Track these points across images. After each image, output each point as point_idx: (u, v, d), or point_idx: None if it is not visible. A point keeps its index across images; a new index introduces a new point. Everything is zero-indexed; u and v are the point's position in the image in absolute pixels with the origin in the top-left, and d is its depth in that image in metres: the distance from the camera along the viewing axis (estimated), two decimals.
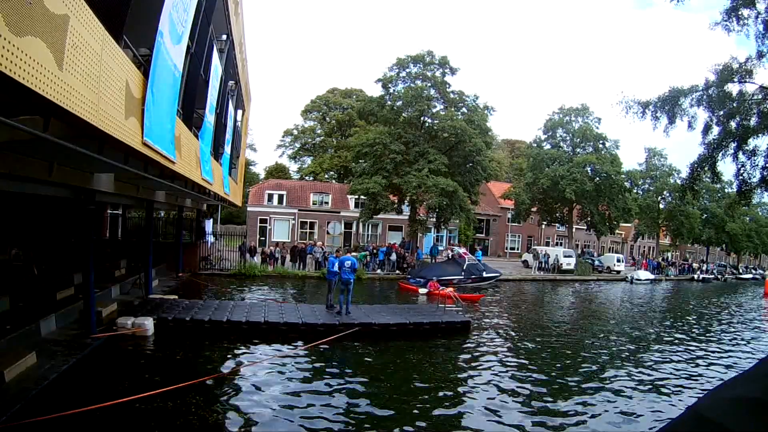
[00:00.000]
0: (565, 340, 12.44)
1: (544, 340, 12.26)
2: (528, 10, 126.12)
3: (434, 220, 28.37)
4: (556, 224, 39.92)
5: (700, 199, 41.62)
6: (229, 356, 9.35)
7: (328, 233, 30.81)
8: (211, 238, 23.18)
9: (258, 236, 32.95)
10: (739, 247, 47.05)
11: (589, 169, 32.35)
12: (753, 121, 14.67)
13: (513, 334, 12.93)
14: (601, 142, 33.78)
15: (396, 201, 27.30)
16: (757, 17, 13.44)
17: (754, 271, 47.06)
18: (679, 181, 28.79)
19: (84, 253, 9.76)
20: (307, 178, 47.28)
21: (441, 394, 7.81)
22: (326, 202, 36.03)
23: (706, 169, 15.88)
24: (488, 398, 7.56)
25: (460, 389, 8.13)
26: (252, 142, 52.91)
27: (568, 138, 35.01)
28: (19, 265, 11.03)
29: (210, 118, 10.40)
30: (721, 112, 15.03)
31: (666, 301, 24.57)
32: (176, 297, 13.62)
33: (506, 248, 43.37)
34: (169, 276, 18.23)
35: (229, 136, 14.07)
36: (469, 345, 11.18)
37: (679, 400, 7.95)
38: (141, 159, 6.31)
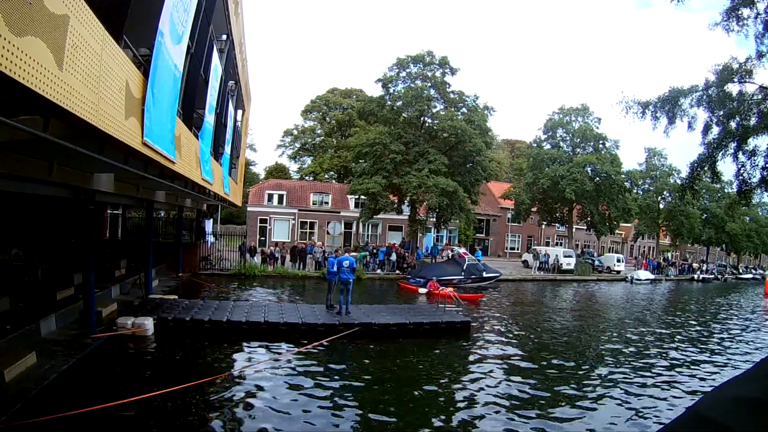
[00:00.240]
0: (565, 341, 12.44)
1: (544, 340, 12.26)
2: (528, 10, 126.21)
3: (434, 220, 28.38)
4: (556, 224, 39.92)
5: (700, 199, 41.61)
6: (229, 356, 9.36)
7: (328, 233, 30.81)
8: (211, 238, 23.18)
9: (258, 236, 32.96)
10: (739, 247, 47.04)
11: (589, 169, 32.36)
12: (753, 121, 14.67)
13: (513, 334, 12.93)
14: (601, 142, 33.79)
15: (396, 201, 27.30)
16: (756, 17, 13.45)
17: (754, 271, 47.04)
18: (679, 181, 28.78)
19: (84, 253, 9.76)
20: (307, 178, 47.29)
21: (441, 394, 7.81)
22: (326, 202, 36.03)
23: (706, 169, 15.88)
24: (488, 398, 7.55)
25: (460, 389, 8.13)
26: (252, 142, 53.02)
27: (568, 138, 35.01)
28: (19, 265, 11.02)
29: (210, 118, 10.40)
30: (721, 112, 15.03)
31: (666, 301, 24.56)
32: (176, 297, 13.63)
33: (506, 248, 43.37)
34: (169, 276, 18.23)
35: (229, 136, 14.07)
36: (469, 345, 11.18)
37: (680, 401, 7.95)
38: (141, 159, 6.31)
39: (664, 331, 14.77)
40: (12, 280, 10.02)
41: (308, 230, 34.93)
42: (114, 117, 4.58)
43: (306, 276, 22.25)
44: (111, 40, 4.39)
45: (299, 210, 34.99)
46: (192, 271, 20.24)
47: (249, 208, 34.20)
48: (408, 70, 26.86)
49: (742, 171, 15.28)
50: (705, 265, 43.79)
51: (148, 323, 9.97)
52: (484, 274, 22.95)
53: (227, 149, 14.06)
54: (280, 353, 9.34)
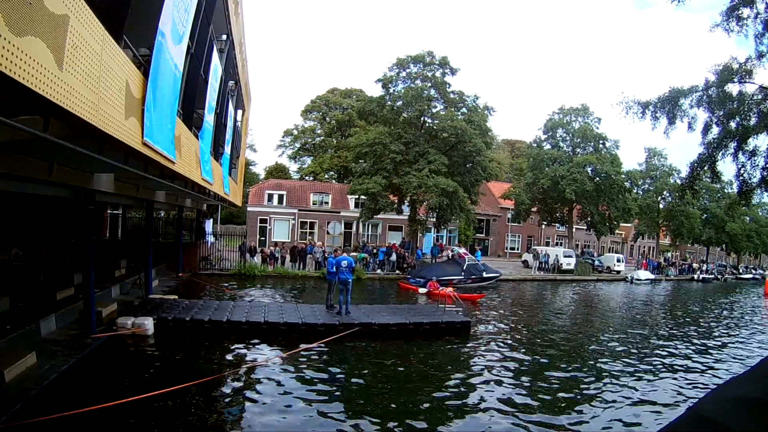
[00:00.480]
0: (565, 341, 12.44)
1: (544, 340, 12.26)
2: (528, 10, 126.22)
3: (434, 220, 28.39)
4: (556, 224, 39.92)
5: (700, 199, 41.62)
6: (229, 356, 9.36)
7: (328, 233, 30.81)
8: (211, 238, 23.17)
9: (258, 236, 32.96)
10: (739, 247, 47.05)
11: (589, 169, 32.36)
12: (753, 121, 14.67)
13: (513, 334, 12.93)
14: (601, 142, 33.80)
15: (396, 201, 27.30)
16: (756, 17, 13.44)
17: (754, 271, 47.05)
18: (679, 181, 28.79)
19: (84, 253, 9.76)
20: (307, 178, 47.29)
21: (441, 394, 7.81)
22: (326, 202, 36.03)
23: (706, 169, 15.87)
24: (488, 398, 7.56)
25: (460, 389, 8.13)
26: (252, 142, 53.03)
27: (568, 138, 35.02)
28: (19, 265, 11.02)
29: (210, 118, 10.40)
30: (721, 113, 15.03)
31: (666, 301, 24.57)
32: (176, 297, 13.62)
33: (506, 248, 43.37)
34: (169, 276, 18.22)
35: (229, 136, 14.07)
36: (469, 345, 11.18)
37: (680, 401, 7.95)
38: (141, 159, 6.30)
39: (664, 331, 14.78)
40: (12, 280, 10.01)
41: (308, 230, 34.93)
42: (114, 117, 4.58)
43: (306, 276, 22.25)
44: (111, 40, 4.39)
45: (299, 210, 35.00)
46: (192, 271, 20.24)
47: (249, 208, 34.21)
48: (408, 70, 26.87)
49: (742, 171, 15.28)
50: (705, 265, 43.79)
51: (148, 323, 9.96)
52: (484, 274, 22.95)
53: (227, 149, 14.06)
54: (279, 353, 9.34)
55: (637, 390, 8.35)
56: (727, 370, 10.33)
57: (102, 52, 4.19)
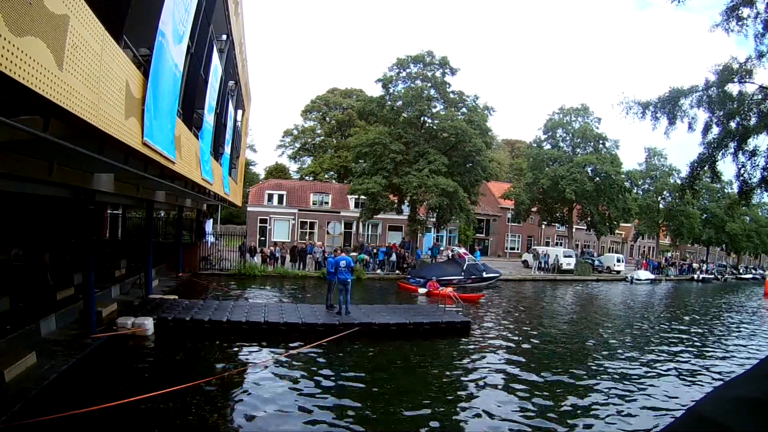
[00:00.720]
0: (565, 341, 12.44)
1: (544, 340, 12.26)
2: (528, 10, 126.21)
3: (434, 220, 28.39)
4: (556, 224, 39.90)
5: (700, 199, 41.61)
6: (229, 356, 9.36)
7: (328, 233, 30.81)
8: (211, 238, 23.18)
9: (258, 236, 32.95)
10: (739, 247, 47.03)
11: (589, 169, 32.35)
12: (753, 121, 14.65)
13: (513, 334, 12.92)
14: (601, 142, 33.78)
15: (396, 201, 27.30)
16: (756, 17, 13.43)
17: (754, 271, 47.02)
18: (679, 181, 28.78)
19: (84, 253, 9.76)
20: (307, 178, 47.29)
21: (441, 394, 7.81)
22: (326, 202, 36.03)
23: (706, 168, 15.86)
24: (488, 399, 7.56)
25: (460, 390, 8.13)
26: (252, 142, 53.05)
27: (568, 138, 35.00)
28: (19, 265, 11.02)
29: (210, 118, 10.40)
30: (721, 113, 15.01)
31: (666, 301, 24.57)
32: (176, 297, 13.62)
33: (506, 248, 43.36)
34: (169, 276, 18.23)
35: (229, 136, 14.07)
36: (469, 345, 11.18)
37: (680, 401, 7.95)
38: (141, 159, 6.31)
39: (664, 331, 14.77)
40: (12, 280, 10.01)
41: (308, 230, 34.92)
42: (114, 117, 4.58)
43: (306, 276, 22.25)
44: (111, 40, 4.39)
45: (299, 210, 34.99)
46: (192, 271, 20.24)
47: (249, 208, 34.20)
48: (408, 70, 26.86)
49: (742, 171, 15.27)
50: (705, 265, 43.78)
51: (148, 323, 9.96)
52: (484, 274, 22.95)
53: (227, 149, 14.06)
54: (279, 353, 9.34)
55: (637, 390, 8.35)
56: (727, 370, 10.33)
57: (102, 52, 4.19)
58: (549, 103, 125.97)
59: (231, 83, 13.19)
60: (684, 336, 14.06)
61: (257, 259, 23.69)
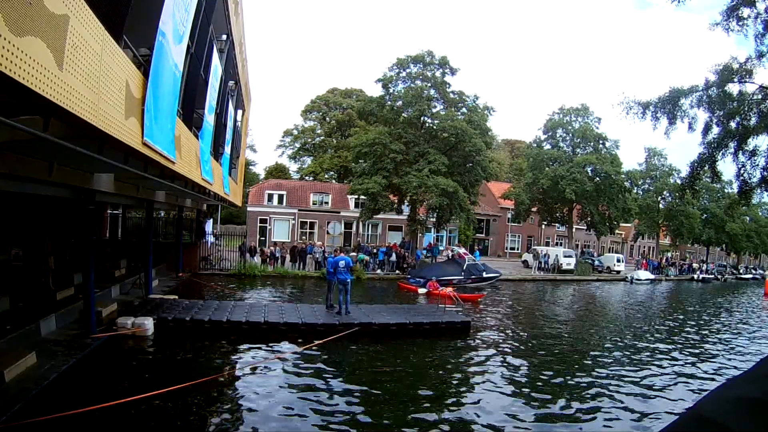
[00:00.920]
0: (565, 341, 12.44)
1: (545, 340, 12.26)
2: (528, 10, 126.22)
3: (434, 220, 28.39)
4: (556, 224, 39.91)
5: (700, 199, 41.60)
6: (229, 356, 9.36)
7: (328, 233, 30.81)
8: (211, 238, 23.18)
9: (258, 236, 32.96)
10: (739, 247, 47.02)
11: (589, 169, 32.35)
12: (753, 121, 14.65)
13: (513, 334, 12.93)
14: (601, 142, 33.78)
15: (396, 201, 27.30)
16: (756, 17, 13.43)
17: (754, 271, 46.99)
18: (679, 181, 28.76)
19: (84, 253, 9.76)
20: (307, 178, 47.29)
21: (440, 394, 7.81)
22: (326, 202, 36.03)
23: (706, 168, 15.86)
24: (488, 398, 7.56)
25: (460, 390, 8.13)
26: (252, 142, 53.07)
27: (568, 138, 35.01)
28: (19, 265, 11.02)
29: (210, 118, 10.40)
30: (721, 112, 15.00)
31: (666, 301, 24.57)
32: (176, 297, 13.62)
33: (506, 248, 43.37)
34: (169, 276, 18.23)
35: (229, 136, 14.07)
36: (469, 345, 11.18)
37: (680, 401, 7.95)
38: (141, 159, 6.31)
39: (664, 331, 14.77)
40: (12, 280, 10.01)
41: (308, 230, 34.93)
42: (114, 117, 4.58)
43: (306, 276, 22.25)
44: (111, 40, 4.39)
45: (299, 210, 34.99)
46: (192, 271, 20.24)
47: (249, 208, 34.20)
48: (408, 70, 26.86)
49: (742, 171, 15.27)
50: (705, 265, 43.76)
51: (148, 323, 9.96)
52: (484, 274, 22.94)
53: (227, 149, 14.06)
54: (280, 353, 9.34)
55: (637, 390, 8.35)
56: (727, 370, 10.33)
57: (102, 52, 4.19)
58: (549, 103, 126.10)
59: (231, 83, 13.20)
60: (684, 336, 14.06)
61: (257, 259, 23.69)
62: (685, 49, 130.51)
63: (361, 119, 36.55)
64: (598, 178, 32.41)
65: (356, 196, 29.79)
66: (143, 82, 5.46)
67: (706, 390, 8.37)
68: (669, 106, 15.87)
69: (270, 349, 9.64)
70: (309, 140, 51.40)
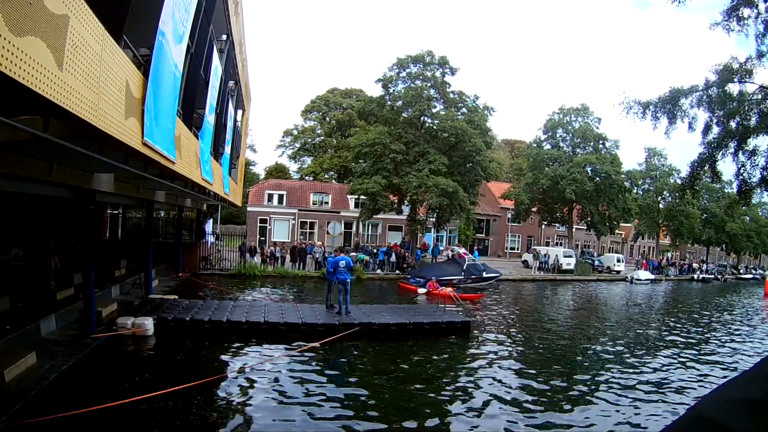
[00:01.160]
0: (565, 341, 12.44)
1: (545, 340, 12.26)
2: (528, 10, 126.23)
3: (434, 220, 28.40)
4: (556, 224, 39.90)
5: (700, 199, 41.59)
6: (229, 356, 9.36)
7: (328, 233, 30.81)
8: (211, 238, 23.17)
9: (258, 236, 32.96)
10: (739, 247, 47.01)
11: (589, 169, 32.35)
12: (753, 121, 14.66)
13: (513, 334, 12.92)
14: (601, 142, 33.78)
15: (396, 201, 27.30)
16: (757, 17, 13.44)
17: (754, 271, 46.98)
18: (679, 181, 28.76)
19: (84, 253, 9.75)
20: (307, 178, 47.29)
21: (441, 394, 7.81)
22: (326, 202, 36.03)
23: (706, 168, 15.88)
24: (488, 398, 7.55)
25: (460, 389, 8.13)
26: (252, 142, 53.06)
27: (568, 138, 35.00)
28: (19, 265, 11.02)
29: (210, 118, 10.40)
30: (721, 112, 15.02)
31: (666, 301, 24.57)
32: (176, 297, 13.62)
33: (506, 248, 43.37)
34: (169, 276, 18.23)
35: (229, 136, 14.07)
36: (469, 345, 11.18)
37: (681, 401, 7.95)
38: (141, 159, 6.31)
39: (664, 331, 14.76)
40: (12, 280, 10.01)
41: (308, 230, 34.93)
42: (114, 117, 4.58)
43: (306, 276, 22.25)
44: (111, 40, 4.39)
45: (299, 210, 35.00)
46: (192, 271, 20.24)
47: (249, 208, 34.21)
48: (408, 70, 26.86)
49: (742, 171, 15.28)
50: (705, 265, 43.76)
51: (148, 323, 9.96)
52: (484, 274, 22.93)
53: (227, 149, 14.06)
54: (279, 353, 9.34)
55: (637, 390, 8.34)
56: (727, 370, 10.33)
57: (102, 52, 4.19)
58: (549, 103, 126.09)
59: (231, 83, 13.20)
60: (684, 336, 14.06)
61: (257, 259, 23.69)
62: (685, 49, 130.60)
63: (361, 119, 36.54)
64: (598, 178, 32.41)
65: (356, 196, 29.80)
66: (143, 82, 5.46)
67: (706, 390, 8.40)
68: (669, 106, 15.89)
69: (270, 349, 9.64)
70: (309, 140, 51.41)
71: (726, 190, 40.59)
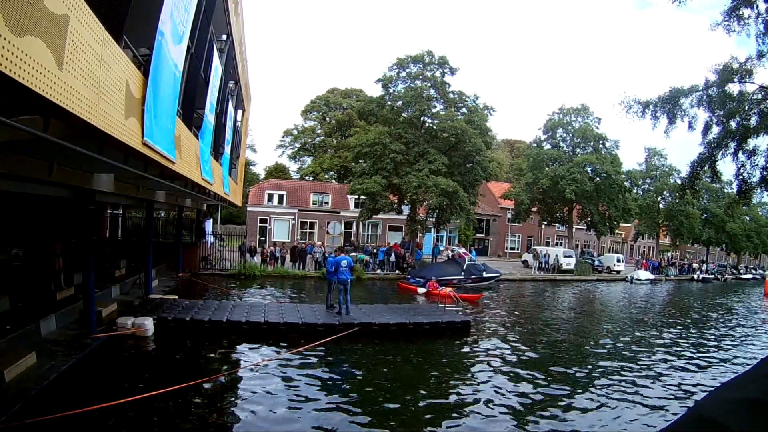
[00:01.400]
0: (565, 341, 12.44)
1: (545, 340, 12.26)
2: (528, 10, 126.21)
3: (434, 220, 28.40)
4: (556, 224, 39.90)
5: (700, 199, 41.58)
6: (229, 356, 9.36)
7: (328, 233, 30.80)
8: (211, 238, 23.16)
9: (258, 236, 32.96)
10: (739, 247, 47.00)
11: (589, 169, 32.35)
12: (753, 120, 14.65)
13: (513, 334, 12.92)
14: (601, 142, 33.77)
15: (396, 201, 27.30)
16: (757, 17, 13.43)
17: (754, 271, 46.96)
18: (679, 181, 28.75)
19: (84, 253, 9.75)
20: (307, 178, 47.28)
21: (441, 394, 7.81)
22: (326, 202, 36.03)
23: (706, 168, 15.86)
24: (488, 398, 7.55)
25: (460, 389, 8.13)
26: (252, 142, 53.06)
27: (568, 138, 35.01)
28: (19, 265, 11.02)
29: (210, 118, 10.40)
30: (721, 112, 15.01)
31: (666, 301, 24.56)
32: (176, 297, 13.62)
33: (506, 248, 43.36)
34: (169, 276, 18.22)
35: (229, 136, 14.07)
36: (469, 345, 11.18)
37: (680, 401, 7.95)
38: (141, 159, 6.31)
39: (664, 331, 14.76)
40: (12, 280, 10.00)
41: (308, 230, 34.93)
42: (114, 117, 4.58)
43: (306, 276, 22.25)
44: (111, 40, 4.39)
45: (299, 210, 35.00)
46: (192, 271, 20.24)
47: (249, 208, 34.21)
48: (408, 70, 26.85)
49: (742, 171, 15.27)
50: (705, 265, 43.75)
51: (148, 323, 9.96)
52: (484, 274, 22.94)
53: (227, 149, 14.06)
54: (279, 353, 9.34)
55: (637, 390, 8.34)
56: (727, 370, 10.33)
57: (102, 52, 4.19)
58: (549, 103, 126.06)
59: (231, 83, 13.21)
60: (684, 336, 14.05)
61: (257, 259, 23.69)
62: (685, 49, 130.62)
63: (361, 119, 36.52)
64: (598, 178, 32.41)
65: (356, 196, 29.79)
66: (143, 82, 5.46)
67: (706, 390, 8.40)
68: (669, 106, 15.87)
69: (270, 349, 9.64)
70: (309, 140, 51.40)
71: (726, 190, 40.57)
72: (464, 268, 22.40)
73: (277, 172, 50.23)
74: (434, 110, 27.21)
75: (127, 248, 18.06)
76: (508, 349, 11.06)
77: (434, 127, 27.14)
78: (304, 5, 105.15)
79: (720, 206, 42.30)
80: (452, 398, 7.66)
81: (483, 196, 34.54)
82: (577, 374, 9.29)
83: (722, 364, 10.92)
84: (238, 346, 9.78)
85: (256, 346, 9.78)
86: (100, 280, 11.72)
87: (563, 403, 7.55)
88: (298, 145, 51.95)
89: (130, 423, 5.87)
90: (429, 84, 26.63)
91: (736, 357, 11.76)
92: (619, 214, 33.43)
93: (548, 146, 35.47)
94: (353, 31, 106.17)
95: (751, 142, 14.90)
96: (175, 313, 10.82)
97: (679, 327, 15.71)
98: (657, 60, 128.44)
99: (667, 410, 7.46)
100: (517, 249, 43.44)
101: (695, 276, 38.49)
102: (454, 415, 6.94)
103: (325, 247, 24.28)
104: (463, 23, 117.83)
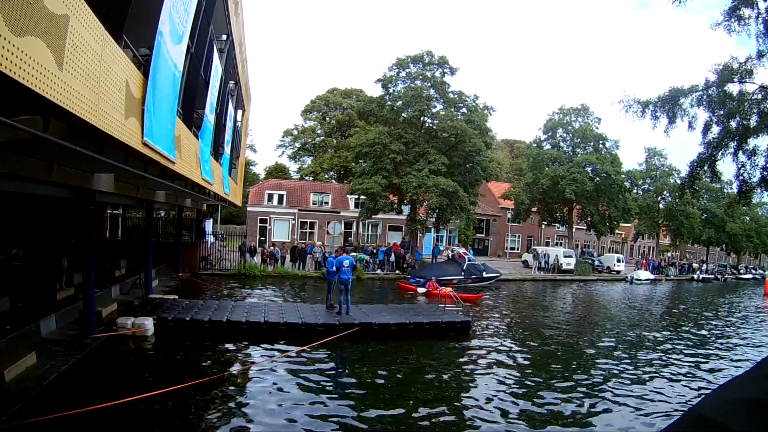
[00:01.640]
0: (565, 340, 12.44)
1: (544, 340, 12.26)
2: (528, 10, 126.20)
3: (434, 220, 28.40)
4: (556, 224, 39.90)
5: (699, 199, 41.58)
6: (229, 356, 9.36)
7: (328, 233, 30.79)
8: (211, 238, 23.16)
9: (258, 236, 32.96)
10: (739, 247, 47.00)
11: (589, 169, 32.35)
12: (753, 120, 14.66)
13: (513, 334, 12.93)
14: (601, 142, 33.78)
15: (396, 201, 27.30)
16: (758, 17, 13.44)
17: (754, 271, 46.97)
18: (679, 181, 28.74)
19: (84, 253, 9.75)
20: (307, 178, 47.28)
21: (440, 394, 7.81)
22: (326, 202, 36.04)
23: (706, 168, 15.87)
24: (488, 398, 7.55)
25: (460, 389, 8.14)
26: (252, 142, 53.03)
27: (568, 138, 35.01)
28: (19, 265, 11.03)
29: (210, 118, 10.40)
30: (721, 112, 15.01)
31: (666, 301, 24.57)
32: (176, 297, 13.62)
33: (506, 248, 43.36)
34: (169, 276, 18.23)
35: (229, 136, 14.07)
36: (468, 345, 11.18)
37: (680, 401, 7.95)
38: (141, 159, 6.31)
39: (664, 331, 14.76)
40: (12, 280, 10.01)
41: (308, 230, 34.94)
42: (114, 117, 4.58)
43: (306, 276, 22.25)
44: (111, 40, 4.39)
45: (299, 210, 35.00)
46: (192, 271, 20.25)
47: (249, 208, 34.21)
48: (408, 70, 26.85)
49: (742, 171, 15.27)
50: (705, 265, 43.76)
51: (148, 323, 9.96)
52: (484, 274, 22.94)
53: (227, 149, 14.06)
54: (279, 353, 9.34)
55: (637, 390, 8.34)
56: (727, 370, 10.33)
57: (102, 52, 4.19)
58: (549, 103, 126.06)
59: (231, 83, 13.20)
60: (684, 336, 14.05)
61: (257, 259, 23.69)
62: (685, 49, 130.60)
63: (361, 119, 36.53)
64: (598, 178, 32.41)
65: (356, 196, 29.79)
66: (143, 82, 5.46)
67: (706, 390, 8.40)
68: (669, 105, 15.88)
69: (270, 349, 9.64)
70: (309, 140, 51.40)
71: (726, 190, 40.57)
72: (464, 268, 22.39)
73: (277, 172, 50.24)
74: (434, 110, 27.21)
75: (127, 248, 18.06)
76: (508, 349, 11.06)
77: (434, 127, 27.14)
78: (304, 5, 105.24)
79: (720, 206, 42.30)
80: (452, 398, 7.66)
81: (483, 196, 34.53)
82: (577, 374, 9.28)
83: (722, 364, 10.92)
84: (238, 346, 9.78)
85: (256, 346, 9.79)
86: (100, 280, 11.73)
87: (563, 403, 7.55)
88: (298, 145, 51.95)
89: (130, 423, 5.87)
90: (429, 84, 26.62)
91: (736, 357, 11.77)
92: (619, 214, 33.44)
93: (548, 146, 35.47)
94: (353, 31, 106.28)
95: (751, 142, 14.91)
96: (175, 313, 10.83)
97: (679, 327, 15.71)
98: (657, 60, 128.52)
99: (667, 410, 7.45)
100: (517, 249, 43.44)
101: (695, 276, 38.49)
102: (454, 415, 6.94)
103: (325, 247, 24.27)
104: (463, 23, 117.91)
